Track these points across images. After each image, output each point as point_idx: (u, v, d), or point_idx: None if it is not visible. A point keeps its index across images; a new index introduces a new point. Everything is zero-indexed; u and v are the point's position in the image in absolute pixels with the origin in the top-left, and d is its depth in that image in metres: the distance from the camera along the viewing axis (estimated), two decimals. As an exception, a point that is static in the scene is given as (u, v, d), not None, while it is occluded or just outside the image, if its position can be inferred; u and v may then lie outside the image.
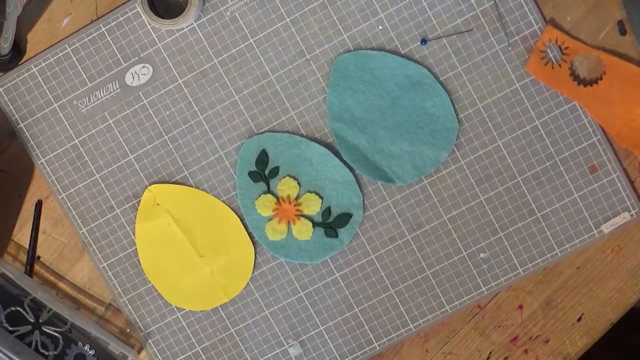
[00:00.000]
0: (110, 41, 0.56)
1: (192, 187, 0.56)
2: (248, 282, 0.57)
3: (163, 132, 0.56)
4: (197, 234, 0.56)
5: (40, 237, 0.58)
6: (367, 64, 0.54)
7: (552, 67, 0.54)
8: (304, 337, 0.57)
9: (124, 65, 0.56)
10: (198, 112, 0.56)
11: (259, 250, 0.57)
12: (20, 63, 0.57)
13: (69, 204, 0.57)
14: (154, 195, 0.56)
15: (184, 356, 0.58)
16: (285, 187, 0.55)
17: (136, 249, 0.57)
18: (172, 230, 0.57)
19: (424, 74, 0.54)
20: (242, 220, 0.56)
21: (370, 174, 0.55)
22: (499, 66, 0.54)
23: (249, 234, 0.56)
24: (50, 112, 0.57)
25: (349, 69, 0.54)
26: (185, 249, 0.57)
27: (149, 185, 0.57)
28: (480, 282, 0.56)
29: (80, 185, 0.57)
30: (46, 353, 0.56)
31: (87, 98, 0.56)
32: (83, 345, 0.57)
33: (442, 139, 0.54)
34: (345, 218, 0.55)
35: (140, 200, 0.57)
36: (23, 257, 0.58)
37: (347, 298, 0.56)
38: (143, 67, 0.56)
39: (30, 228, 0.58)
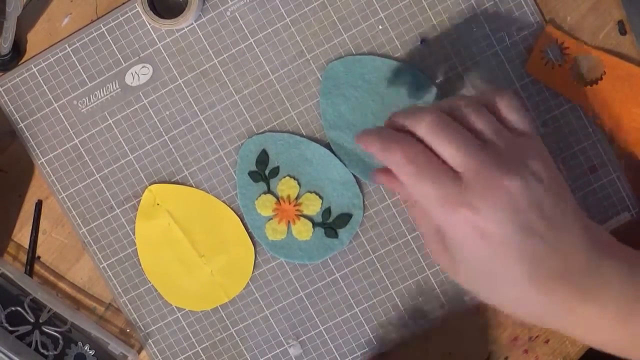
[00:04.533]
0: (110, 41, 0.56)
1: (192, 187, 0.56)
2: (248, 282, 0.57)
3: (163, 132, 0.56)
4: (197, 233, 0.57)
5: (40, 237, 0.58)
6: (356, 69, 0.54)
7: (552, 67, 0.54)
8: (304, 337, 0.57)
9: (124, 65, 0.56)
10: (198, 112, 0.56)
11: (259, 250, 0.57)
12: (20, 63, 0.57)
13: (69, 204, 0.57)
14: (154, 195, 0.56)
15: (184, 356, 0.58)
16: (286, 187, 0.56)
17: (136, 249, 0.57)
18: (172, 230, 0.57)
19: (412, 74, 0.54)
20: (242, 220, 0.56)
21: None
22: (499, 66, 0.54)
23: (249, 234, 0.56)
24: (50, 112, 0.57)
25: (339, 76, 0.54)
26: (185, 249, 0.57)
27: (149, 185, 0.57)
28: (480, 282, 0.56)
29: (80, 185, 0.57)
30: (46, 353, 0.56)
31: (87, 98, 0.56)
32: (83, 345, 0.57)
33: None
34: (345, 218, 0.55)
35: (140, 200, 0.57)
36: (23, 257, 0.58)
37: (347, 298, 0.57)
38: (143, 67, 0.56)
39: (30, 228, 0.58)
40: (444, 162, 0.43)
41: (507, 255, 0.43)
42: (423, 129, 0.44)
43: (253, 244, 0.56)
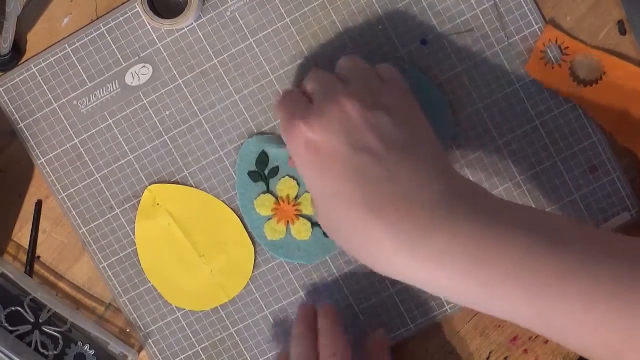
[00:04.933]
0: (110, 41, 0.56)
1: (192, 187, 0.56)
2: (248, 282, 0.57)
3: (163, 132, 0.56)
4: (197, 234, 0.57)
5: (40, 237, 0.58)
6: None
7: (552, 67, 0.54)
8: (304, 337, 0.57)
9: (124, 65, 0.56)
10: (198, 112, 0.56)
11: (259, 250, 0.57)
12: (20, 63, 0.57)
13: (69, 204, 0.57)
14: (154, 195, 0.56)
15: (184, 356, 0.58)
16: (285, 187, 0.56)
17: (136, 249, 0.57)
18: (172, 230, 0.57)
19: (413, 74, 0.54)
20: (241, 220, 0.56)
21: None
22: (499, 66, 0.54)
23: (249, 234, 0.56)
24: (50, 112, 0.57)
25: None
26: (185, 249, 0.57)
27: (149, 185, 0.57)
28: (480, 282, 0.55)
29: (80, 185, 0.57)
30: (46, 353, 0.56)
31: (87, 98, 0.56)
32: (83, 345, 0.57)
33: (440, 134, 0.53)
34: (345, 218, 0.55)
35: (140, 200, 0.57)
36: (23, 257, 0.58)
37: (347, 298, 0.56)
38: (143, 67, 0.56)
39: (30, 228, 0.58)
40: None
41: (340, 170, 0.42)
42: (305, 81, 0.48)
43: (253, 244, 0.56)
